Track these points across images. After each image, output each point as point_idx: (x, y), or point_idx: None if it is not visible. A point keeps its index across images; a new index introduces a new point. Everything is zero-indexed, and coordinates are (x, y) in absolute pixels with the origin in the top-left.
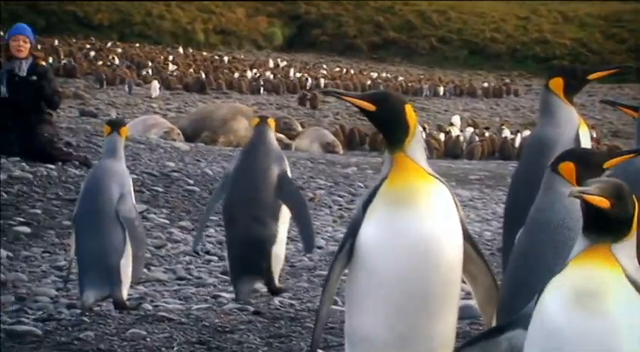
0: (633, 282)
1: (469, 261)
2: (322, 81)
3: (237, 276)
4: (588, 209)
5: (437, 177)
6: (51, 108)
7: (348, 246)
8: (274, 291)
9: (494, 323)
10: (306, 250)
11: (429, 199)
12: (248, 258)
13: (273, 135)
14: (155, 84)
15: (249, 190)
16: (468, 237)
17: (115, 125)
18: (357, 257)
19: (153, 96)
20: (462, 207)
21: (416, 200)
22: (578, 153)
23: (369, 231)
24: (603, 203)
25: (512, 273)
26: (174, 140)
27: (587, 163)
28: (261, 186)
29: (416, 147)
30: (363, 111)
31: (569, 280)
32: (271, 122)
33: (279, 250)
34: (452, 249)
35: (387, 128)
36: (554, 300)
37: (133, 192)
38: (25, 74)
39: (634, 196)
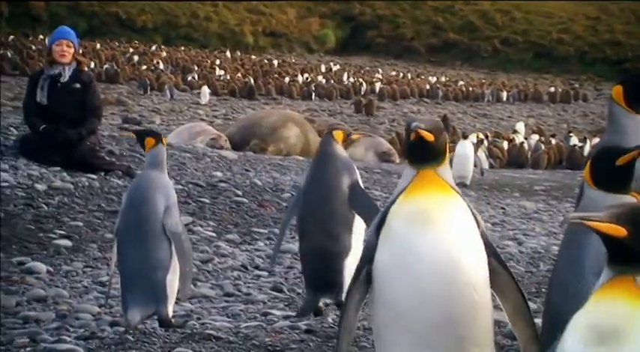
0: None
1: (496, 277)
2: (377, 86)
3: (313, 291)
4: (604, 238)
5: (454, 188)
6: (93, 119)
7: (364, 275)
8: (340, 305)
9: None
10: None
11: (443, 216)
12: (322, 272)
13: (339, 146)
14: (205, 90)
15: (321, 203)
16: (492, 253)
17: (159, 136)
18: (374, 286)
19: (202, 103)
20: (526, 219)
21: (429, 218)
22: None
23: (383, 257)
24: (619, 232)
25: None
26: (222, 148)
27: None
28: (332, 198)
29: (446, 168)
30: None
31: (590, 317)
32: (338, 134)
33: (353, 262)
34: (473, 268)
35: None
36: (575, 341)
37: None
38: (67, 80)
39: None
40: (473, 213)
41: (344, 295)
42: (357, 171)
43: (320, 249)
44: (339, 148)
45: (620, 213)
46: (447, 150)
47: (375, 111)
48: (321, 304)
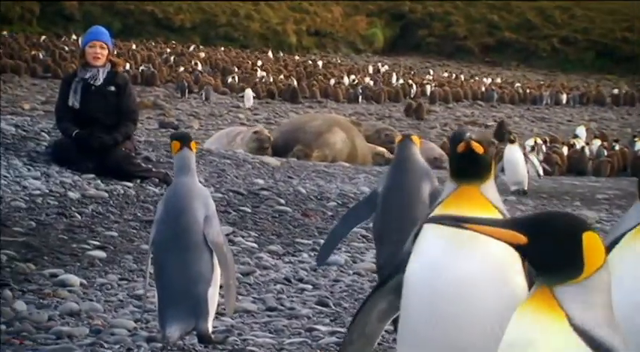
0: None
1: None
2: (428, 88)
3: None
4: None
5: (498, 208)
6: (128, 124)
7: (394, 283)
8: None
9: None
10: None
11: (473, 236)
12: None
13: (417, 151)
14: (249, 93)
15: (402, 211)
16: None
17: (185, 139)
18: (402, 296)
19: (246, 107)
20: None
21: (458, 236)
22: None
23: (413, 268)
24: (518, 239)
25: None
26: (265, 142)
27: None
28: (414, 206)
29: (490, 185)
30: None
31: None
32: (415, 139)
33: None
34: (493, 296)
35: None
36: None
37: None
38: (101, 83)
39: None
40: None
41: None
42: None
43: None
44: (418, 154)
45: (522, 219)
46: (493, 167)
47: (426, 114)
48: None
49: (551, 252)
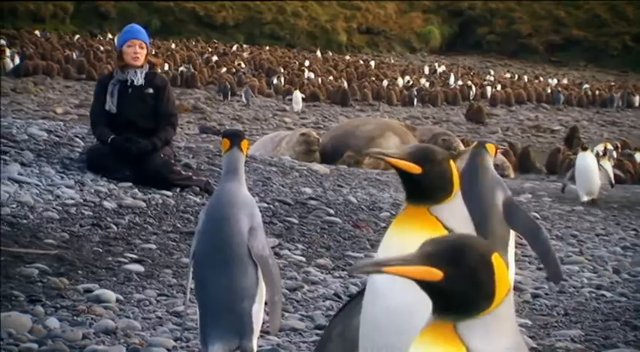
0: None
1: None
2: (489, 89)
3: None
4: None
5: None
6: (167, 128)
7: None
8: None
9: None
10: (553, 280)
11: None
12: None
13: (490, 160)
14: (298, 95)
15: (477, 221)
16: None
17: (236, 137)
18: None
19: (295, 110)
20: None
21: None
22: None
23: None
24: (434, 276)
25: None
26: (313, 150)
27: None
28: (489, 216)
29: (450, 204)
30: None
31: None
32: (491, 147)
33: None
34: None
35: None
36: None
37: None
38: (141, 82)
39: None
40: None
41: None
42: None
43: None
44: (490, 162)
45: (437, 254)
46: (453, 186)
47: (487, 118)
48: None
49: (469, 284)
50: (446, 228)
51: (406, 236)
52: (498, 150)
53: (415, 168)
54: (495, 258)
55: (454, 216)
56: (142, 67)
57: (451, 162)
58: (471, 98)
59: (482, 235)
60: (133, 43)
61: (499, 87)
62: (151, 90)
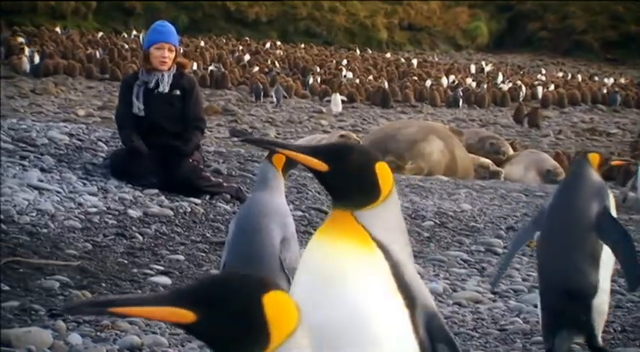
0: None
1: None
2: (540, 90)
3: (552, 331)
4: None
5: (386, 247)
6: (195, 132)
7: None
8: (596, 349)
9: None
10: (630, 288)
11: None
12: (564, 312)
13: (593, 170)
14: (337, 98)
15: (564, 232)
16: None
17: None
18: None
19: (334, 112)
20: None
21: (329, 272)
22: None
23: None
24: (318, 165)
25: None
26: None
27: None
28: (577, 227)
29: (376, 210)
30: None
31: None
32: (593, 157)
33: (602, 300)
34: (355, 342)
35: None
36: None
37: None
38: (167, 89)
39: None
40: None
41: (599, 337)
42: (612, 199)
43: (561, 284)
44: (592, 172)
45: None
46: (378, 191)
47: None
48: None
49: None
50: (373, 237)
51: (326, 245)
52: (616, 162)
53: (320, 165)
54: (380, 164)
55: (380, 223)
56: (169, 70)
57: (379, 164)
58: (521, 99)
59: (568, 246)
60: (161, 46)
61: (551, 87)
62: (178, 92)
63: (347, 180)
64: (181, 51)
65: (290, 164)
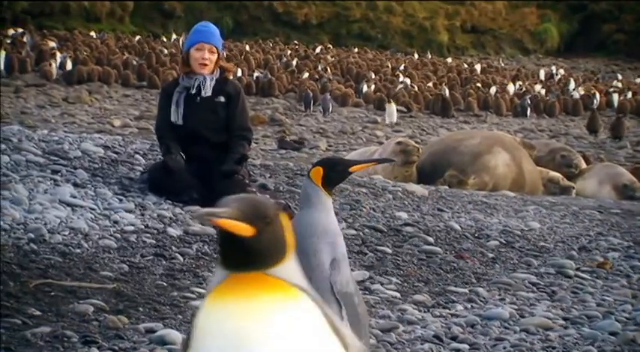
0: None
1: None
2: (615, 97)
3: None
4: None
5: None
6: (241, 143)
7: None
8: None
9: None
10: None
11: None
12: None
13: None
14: (392, 108)
15: None
16: None
17: (326, 163)
18: None
19: (387, 122)
20: None
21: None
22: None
23: None
24: (246, 231)
25: None
26: (413, 161)
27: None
28: None
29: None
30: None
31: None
32: None
33: None
34: None
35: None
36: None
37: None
38: (209, 94)
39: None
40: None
41: None
42: None
43: None
44: None
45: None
46: (287, 246)
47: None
48: None
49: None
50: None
51: (242, 303)
52: None
53: (246, 230)
54: (283, 215)
55: (294, 274)
56: (211, 73)
57: (282, 216)
58: (595, 107)
59: None
60: (202, 47)
61: (629, 94)
62: (222, 99)
63: (271, 241)
64: (224, 55)
65: (330, 179)
